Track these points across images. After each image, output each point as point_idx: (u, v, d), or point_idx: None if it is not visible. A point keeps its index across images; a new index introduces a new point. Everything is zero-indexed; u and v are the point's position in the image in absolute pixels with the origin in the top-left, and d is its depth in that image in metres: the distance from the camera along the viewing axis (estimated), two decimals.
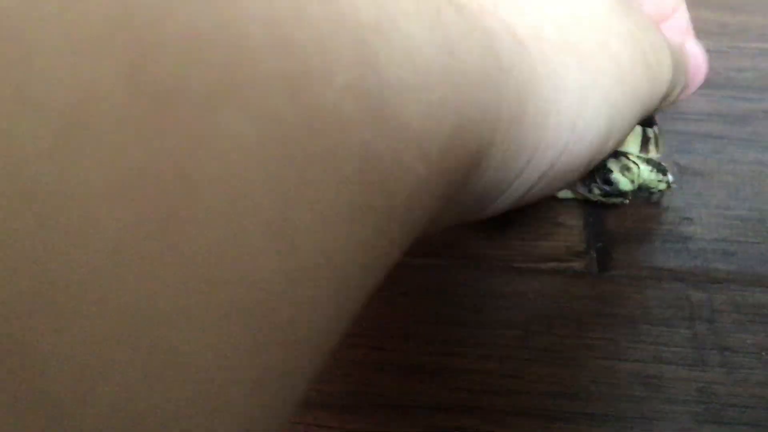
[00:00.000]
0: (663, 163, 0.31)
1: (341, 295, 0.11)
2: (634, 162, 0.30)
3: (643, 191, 0.31)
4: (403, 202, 0.12)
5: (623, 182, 0.29)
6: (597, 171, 0.30)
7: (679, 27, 0.27)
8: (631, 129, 0.22)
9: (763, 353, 0.26)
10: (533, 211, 0.31)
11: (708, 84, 0.38)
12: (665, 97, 0.24)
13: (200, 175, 0.08)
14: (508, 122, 0.16)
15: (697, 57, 0.27)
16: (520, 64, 0.17)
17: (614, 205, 0.31)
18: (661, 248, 0.30)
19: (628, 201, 0.31)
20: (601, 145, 0.20)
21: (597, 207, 0.31)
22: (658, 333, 0.28)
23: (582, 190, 0.31)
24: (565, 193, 0.31)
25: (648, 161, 0.30)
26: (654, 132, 0.31)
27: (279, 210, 0.09)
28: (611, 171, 0.29)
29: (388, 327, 0.27)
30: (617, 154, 0.30)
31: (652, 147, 0.31)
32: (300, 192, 0.09)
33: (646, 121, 0.31)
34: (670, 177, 0.30)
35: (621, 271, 0.29)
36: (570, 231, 0.31)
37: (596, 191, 0.30)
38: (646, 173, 0.30)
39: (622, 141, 0.22)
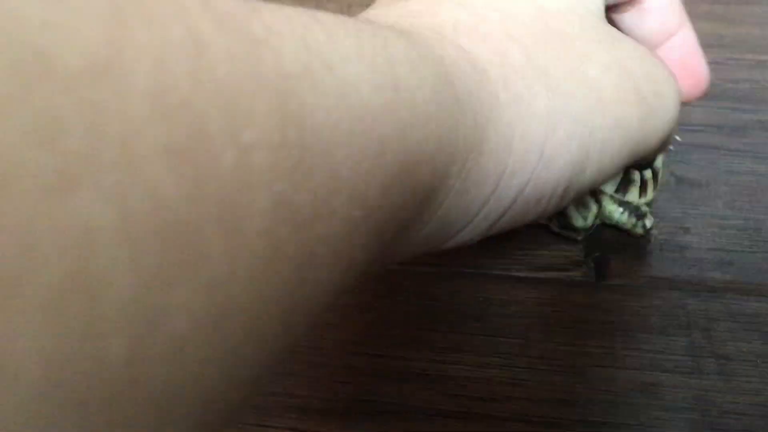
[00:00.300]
0: (645, 209, 0.30)
1: (250, 349, 0.11)
2: (595, 200, 0.29)
3: (622, 231, 0.31)
4: (332, 246, 0.12)
5: (575, 217, 0.29)
6: None
7: (685, 44, 0.26)
8: (620, 163, 0.20)
9: (759, 361, 0.27)
10: None
11: (706, 96, 0.39)
12: (668, 135, 0.22)
13: (39, 259, 0.08)
14: (465, 152, 0.16)
15: (699, 72, 0.26)
16: (478, 92, 0.16)
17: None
18: (658, 258, 0.30)
19: (579, 238, 0.30)
20: (573, 173, 0.19)
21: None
22: (655, 341, 0.28)
23: (543, 218, 0.30)
24: None
25: (622, 203, 0.30)
26: (643, 176, 0.31)
27: (139, 292, 0.09)
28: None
29: (389, 334, 0.28)
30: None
31: (633, 189, 0.30)
32: (172, 267, 0.09)
33: (643, 163, 0.30)
34: (647, 223, 0.30)
35: (619, 280, 0.29)
36: (568, 241, 0.31)
37: (554, 221, 0.30)
38: (617, 215, 0.30)
39: (607, 175, 0.20)
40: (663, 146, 0.22)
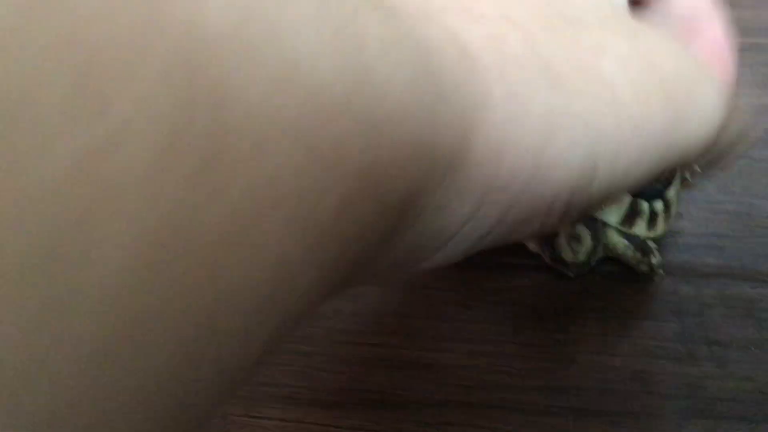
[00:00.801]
0: (653, 245, 0.28)
1: None
2: (593, 234, 0.27)
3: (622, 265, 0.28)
4: (257, 288, 0.09)
5: (566, 251, 0.27)
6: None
7: (715, 39, 0.22)
8: (639, 176, 0.16)
9: (752, 347, 0.27)
10: None
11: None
12: (706, 149, 0.18)
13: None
14: (447, 159, 0.13)
15: (727, 72, 0.22)
16: (466, 85, 0.13)
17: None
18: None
19: (572, 275, 0.28)
20: (577, 186, 0.15)
21: None
22: (647, 327, 0.28)
23: (534, 247, 0.28)
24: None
25: (627, 236, 0.28)
26: (654, 207, 0.28)
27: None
28: (557, 234, 0.27)
29: (379, 323, 0.27)
30: (589, 217, 0.27)
31: (641, 222, 0.28)
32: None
33: (653, 192, 0.28)
34: (654, 260, 0.28)
35: (610, 266, 0.29)
36: None
37: (546, 251, 0.28)
38: (621, 247, 0.27)
39: (620, 189, 0.17)
40: (704, 159, 0.19)
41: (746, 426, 0.24)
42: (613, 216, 0.27)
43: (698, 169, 0.33)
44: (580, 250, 0.26)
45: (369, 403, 0.25)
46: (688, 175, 0.32)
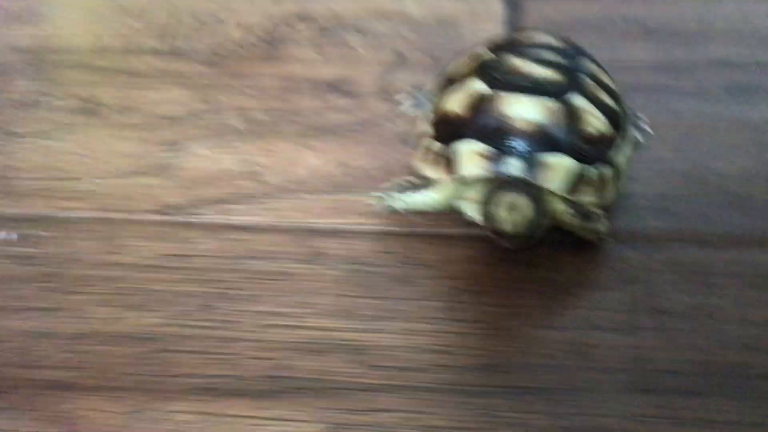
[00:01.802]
0: (600, 212, 0.26)
1: None
2: (533, 200, 0.25)
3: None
4: None
5: (503, 222, 0.25)
6: (487, 197, 0.25)
7: None
8: None
9: (698, 314, 0.25)
10: None
11: (651, 33, 0.37)
12: None
13: None
14: None
15: None
16: None
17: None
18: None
19: (511, 247, 0.26)
20: None
21: None
22: (592, 297, 0.26)
23: (472, 216, 0.26)
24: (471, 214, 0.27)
25: (573, 204, 0.26)
26: (603, 173, 0.26)
27: None
28: (496, 205, 0.25)
29: (310, 303, 0.26)
30: (529, 185, 0.25)
31: (588, 189, 0.26)
32: None
33: (601, 157, 0.26)
34: (601, 227, 0.26)
35: (557, 235, 0.28)
36: None
37: (485, 223, 0.26)
38: (564, 215, 0.26)
39: None
40: None
41: (691, 399, 0.23)
42: (558, 183, 0.26)
43: (649, 130, 0.31)
44: (518, 220, 0.25)
45: (296, 390, 0.24)
46: (639, 137, 0.31)
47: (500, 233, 0.25)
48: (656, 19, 0.37)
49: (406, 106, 0.33)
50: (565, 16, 0.37)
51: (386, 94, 0.34)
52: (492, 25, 0.37)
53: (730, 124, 0.32)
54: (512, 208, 0.25)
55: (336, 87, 0.34)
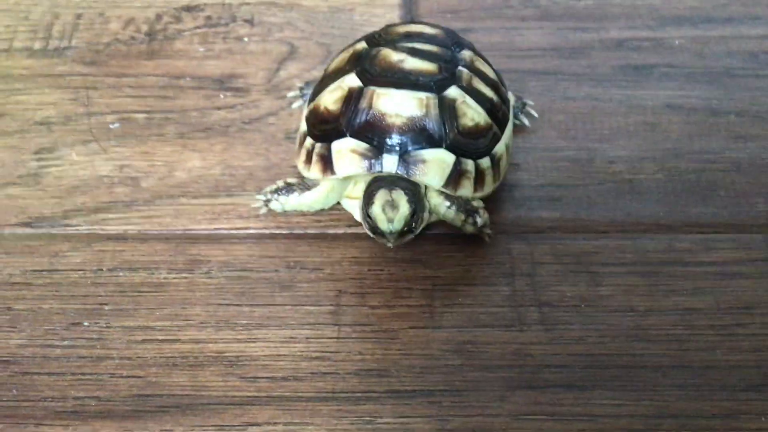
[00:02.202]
0: (478, 204, 0.26)
1: None
2: (409, 199, 0.24)
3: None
4: None
5: (380, 220, 0.24)
6: (364, 196, 0.25)
7: None
8: None
9: (583, 305, 0.25)
10: None
11: (546, 16, 0.36)
12: None
13: None
14: None
15: None
16: None
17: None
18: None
19: (390, 245, 0.25)
20: None
21: None
22: (476, 294, 0.26)
23: (357, 216, 0.26)
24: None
25: (449, 197, 0.26)
26: (480, 165, 0.26)
27: None
28: (373, 203, 0.24)
29: (184, 315, 0.25)
30: (405, 181, 0.25)
31: (466, 182, 0.25)
32: None
33: (480, 149, 0.26)
34: (479, 220, 0.26)
35: (443, 228, 0.27)
36: None
37: (365, 222, 0.25)
38: (442, 209, 0.26)
39: None
40: None
41: (572, 394, 0.23)
42: (436, 178, 0.25)
43: (535, 114, 0.31)
44: (395, 217, 0.24)
45: (167, 408, 0.23)
46: (524, 120, 0.30)
47: (379, 231, 0.24)
48: (554, 2, 0.37)
49: (296, 102, 0.32)
50: (461, 1, 0.37)
51: (276, 89, 0.33)
52: (385, 10, 0.36)
53: (621, 105, 0.32)
54: (389, 205, 0.24)
55: (223, 83, 0.33)
